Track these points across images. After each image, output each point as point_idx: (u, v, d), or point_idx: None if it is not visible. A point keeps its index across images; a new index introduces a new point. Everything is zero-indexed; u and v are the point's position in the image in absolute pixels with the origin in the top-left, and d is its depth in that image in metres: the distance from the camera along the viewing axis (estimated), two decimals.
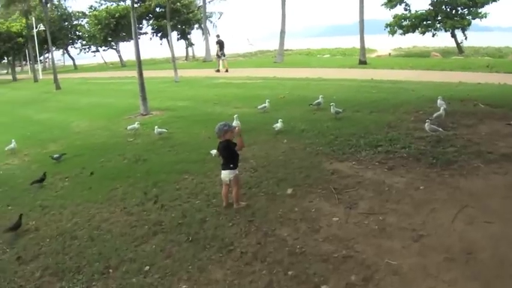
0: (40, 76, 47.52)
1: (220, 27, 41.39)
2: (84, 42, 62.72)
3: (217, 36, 31.55)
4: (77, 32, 62.67)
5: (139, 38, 55.74)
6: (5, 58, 56.03)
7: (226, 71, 29.51)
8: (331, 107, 11.20)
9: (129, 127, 12.13)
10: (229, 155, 6.35)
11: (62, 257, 5.68)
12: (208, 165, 8.46)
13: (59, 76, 32.85)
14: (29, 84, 42.02)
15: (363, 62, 27.63)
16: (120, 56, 55.02)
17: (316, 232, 5.32)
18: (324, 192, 6.48)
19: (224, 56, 30.81)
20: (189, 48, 56.30)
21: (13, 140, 11.99)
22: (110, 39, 53.40)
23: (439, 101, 10.81)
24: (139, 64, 15.67)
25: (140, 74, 15.44)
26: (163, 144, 10.56)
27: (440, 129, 8.59)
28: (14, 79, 50.76)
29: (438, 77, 19.17)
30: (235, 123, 11.02)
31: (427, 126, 8.51)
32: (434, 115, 9.64)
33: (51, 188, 8.51)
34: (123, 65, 51.89)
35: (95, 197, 7.60)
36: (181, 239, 5.58)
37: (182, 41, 53.97)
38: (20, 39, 49.66)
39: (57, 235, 6.38)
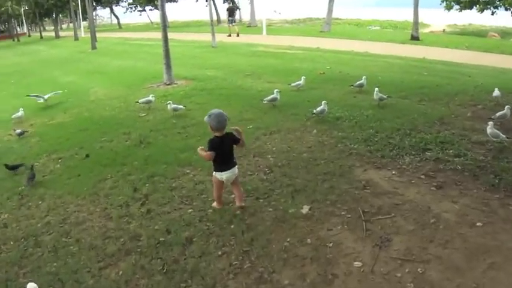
0: (82, 34, 47.25)
1: None
2: (130, 1, 62.12)
3: (229, 3, 33.61)
4: None
5: None
6: (51, 15, 56.05)
7: (237, 35, 30.13)
8: (375, 91, 9.57)
9: (141, 100, 10.98)
10: (232, 150, 5.32)
11: (15, 272, 4.67)
12: None
13: (102, 35, 32.43)
14: (68, 42, 41.80)
15: (415, 38, 25.45)
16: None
17: (328, 285, 3.95)
18: (349, 217, 5.03)
19: (234, 22, 32.38)
20: (236, 12, 54.69)
21: (21, 108, 11.12)
22: None
23: (495, 92, 9.14)
24: (165, 28, 14.43)
25: (165, 39, 14.18)
26: (175, 124, 9.36)
27: (503, 135, 6.84)
28: (57, 36, 50.86)
29: (497, 60, 17.10)
30: (275, 95, 9.87)
31: (489, 129, 6.84)
32: (498, 114, 7.89)
33: (39, 171, 7.49)
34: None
35: (78, 189, 6.52)
36: (155, 267, 4.39)
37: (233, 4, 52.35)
38: None
39: (22, 238, 5.37)
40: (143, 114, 10.40)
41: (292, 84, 11.63)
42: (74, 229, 5.40)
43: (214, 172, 5.34)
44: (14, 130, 9.83)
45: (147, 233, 5.07)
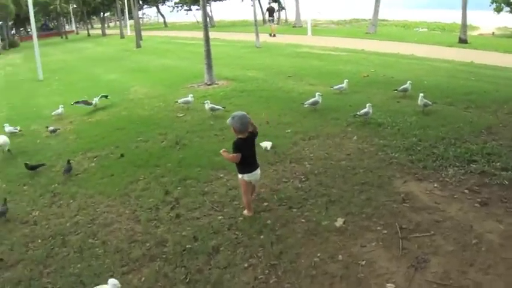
0: (128, 32, 48.23)
1: None
2: (177, 0, 62.82)
3: (269, 2, 33.63)
4: None
5: None
6: (99, 14, 57.47)
7: (274, 35, 30.22)
8: (420, 97, 9.17)
9: (180, 100, 10.97)
10: (255, 150, 5.33)
11: (39, 271, 4.70)
12: None
13: (147, 33, 32.95)
14: (114, 40, 42.73)
15: (463, 41, 24.52)
16: (210, 16, 54.32)
17: None
18: (385, 233, 4.76)
19: (273, 22, 32.60)
20: (282, 12, 54.54)
21: (61, 105, 11.34)
22: None
23: None
24: (206, 27, 14.36)
25: (206, 39, 14.16)
26: (212, 126, 9.28)
27: None
28: (103, 34, 52.12)
29: None
30: (316, 98, 9.67)
31: None
32: None
33: (74, 169, 7.56)
34: (212, 25, 51.19)
35: (110, 189, 6.54)
36: (178, 276, 4.29)
37: (274, 4, 52.25)
38: None
39: (50, 236, 5.41)
40: (181, 115, 10.39)
41: (335, 87, 11.35)
42: (101, 230, 5.38)
43: (241, 175, 5.27)
44: (47, 127, 10.04)
45: (173, 239, 4.98)
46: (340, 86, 11.32)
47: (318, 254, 4.46)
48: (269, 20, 33.18)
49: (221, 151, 5.35)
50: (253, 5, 25.95)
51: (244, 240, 4.83)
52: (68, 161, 7.50)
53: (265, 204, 5.60)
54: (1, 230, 5.74)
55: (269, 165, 6.85)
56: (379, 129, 8.22)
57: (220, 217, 5.41)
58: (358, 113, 8.60)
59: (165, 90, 13.49)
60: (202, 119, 9.91)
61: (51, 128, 9.92)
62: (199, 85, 14.04)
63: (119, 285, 3.87)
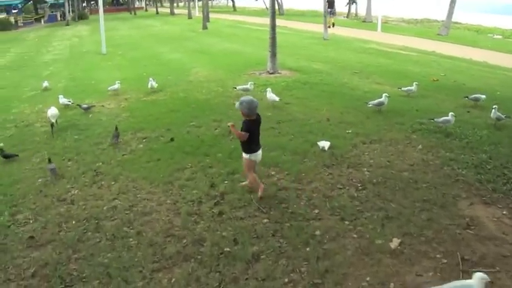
0: (196, 13, 48.68)
1: None
2: None
3: None
4: None
5: None
6: None
7: (329, 27, 29.00)
8: (493, 110, 8.39)
9: (239, 87, 10.68)
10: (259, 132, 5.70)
11: (67, 255, 4.55)
12: (308, 163, 6.66)
13: (214, 16, 32.91)
14: (181, 20, 43.15)
15: None
16: (279, 3, 53.85)
17: None
18: (445, 263, 4.24)
19: (333, 14, 32.29)
20: (352, 6, 53.30)
21: (117, 81, 11.33)
22: None
23: None
24: (273, 15, 13.96)
25: (273, 27, 13.78)
26: (269, 118, 8.90)
27: None
28: (171, 13, 52.90)
29: None
30: (382, 99, 9.19)
31: None
32: None
33: (121, 149, 7.47)
34: (281, 13, 50.75)
35: (154, 175, 6.33)
36: (211, 283, 3.98)
37: None
38: None
39: (85, 219, 5.26)
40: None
41: (403, 89, 10.69)
42: (138, 219, 5.17)
43: (248, 155, 5.56)
44: (80, 105, 9.98)
45: (212, 239, 4.67)
46: (409, 88, 10.67)
47: (367, 278, 4.03)
48: (328, 12, 32.64)
49: (229, 124, 5.68)
50: None
51: (288, 251, 4.46)
52: (116, 128, 7.82)
53: (316, 211, 5.22)
54: (38, 205, 5.66)
55: (324, 168, 6.47)
56: (446, 140, 7.61)
57: (265, 220, 5.06)
58: (436, 119, 7.98)
59: (226, 75, 13.27)
60: (260, 109, 9.48)
61: (84, 106, 9.90)
62: (261, 73, 13.71)
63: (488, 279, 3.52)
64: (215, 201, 5.53)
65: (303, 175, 6.23)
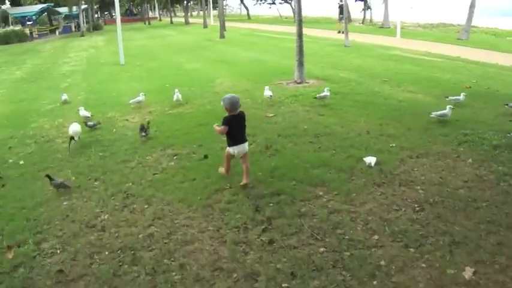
0: (211, 22, 48.61)
1: None
2: None
3: (341, 0, 33.06)
4: None
5: None
6: (183, 2, 58.64)
7: (341, 32, 29.72)
8: None
9: (266, 92, 10.32)
10: (244, 128, 6.22)
11: None
12: (357, 181, 6.12)
13: (230, 24, 32.70)
14: (197, 29, 43.06)
15: None
16: (293, 11, 53.51)
17: None
18: None
19: (343, 19, 32.21)
20: (367, 12, 52.87)
21: (142, 93, 10.90)
22: None
23: None
24: (300, 22, 13.52)
25: (300, 35, 13.33)
26: (306, 130, 8.40)
27: None
28: (186, 22, 52.98)
29: None
30: (446, 111, 8.65)
31: None
32: None
33: (151, 167, 6.98)
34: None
35: (191, 197, 5.81)
36: None
37: (360, 3, 50.68)
38: None
39: (120, 249, 4.75)
40: (271, 115, 9.59)
41: (451, 98, 10.07)
42: (179, 249, 4.65)
43: (228, 147, 6.09)
44: (85, 122, 9.37)
45: (266, 272, 4.14)
46: (456, 97, 10.04)
47: None
48: (340, 18, 33.45)
49: (214, 125, 6.30)
50: (344, 2, 24.97)
51: (354, 285, 3.93)
52: (148, 122, 8.53)
53: (376, 237, 4.67)
54: (65, 232, 5.19)
55: (375, 187, 5.94)
56: (495, 152, 7.04)
57: (322, 249, 4.52)
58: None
59: (252, 85, 12.78)
60: (295, 121, 9.06)
61: (90, 123, 9.32)
62: (288, 83, 13.23)
63: None
64: (263, 227, 4.99)
65: (353, 195, 5.69)
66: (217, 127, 6.12)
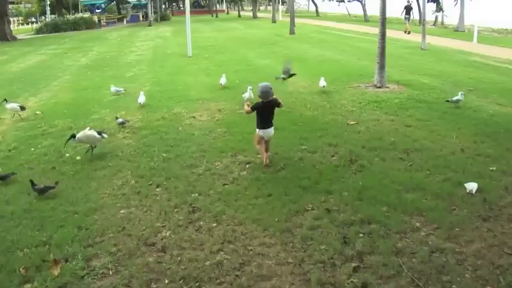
0: (279, 18, 47.87)
1: None
2: None
3: (408, 1, 33.72)
4: None
5: None
6: None
7: (406, 32, 30.36)
8: None
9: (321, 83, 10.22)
10: (272, 114, 6.69)
11: None
12: (459, 213, 5.17)
13: (298, 21, 31.85)
14: (265, 24, 42.43)
15: None
16: (364, 10, 52.14)
17: None
18: None
19: (408, 20, 32.48)
20: (439, 14, 50.60)
21: (250, 87, 9.79)
22: None
23: None
24: (383, 22, 12.43)
25: (383, 36, 12.26)
26: (394, 144, 7.42)
27: None
28: (254, 16, 52.48)
29: None
30: None
31: None
32: None
33: (220, 175, 6.28)
34: (366, 19, 48.97)
35: (267, 218, 5.02)
36: None
37: (432, 4, 48.52)
38: None
39: (182, 279, 4.10)
40: (352, 122, 8.65)
41: None
42: (253, 286, 3.86)
43: (257, 130, 6.62)
44: (116, 118, 8.86)
45: None
46: None
47: None
48: (405, 18, 32.93)
49: (245, 105, 7.02)
50: (423, 2, 23.61)
51: None
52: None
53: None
54: (119, 249, 4.54)
55: (480, 221, 4.98)
56: None
57: None
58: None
59: (328, 87, 11.78)
60: (379, 132, 8.10)
61: (119, 120, 8.74)
62: (367, 86, 12.21)
63: None
64: (353, 265, 4.14)
65: (457, 230, 4.75)
66: (247, 107, 6.80)
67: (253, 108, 6.59)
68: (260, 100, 6.56)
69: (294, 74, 10.90)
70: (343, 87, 11.94)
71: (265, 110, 6.54)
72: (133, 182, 6.17)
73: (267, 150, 6.57)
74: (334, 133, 7.92)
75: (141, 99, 10.20)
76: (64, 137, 7.88)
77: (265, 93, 6.45)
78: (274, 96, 6.55)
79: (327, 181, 5.93)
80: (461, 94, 9.84)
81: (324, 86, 11.24)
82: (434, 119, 9.08)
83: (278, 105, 6.64)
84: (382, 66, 12.34)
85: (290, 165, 6.52)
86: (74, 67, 18.14)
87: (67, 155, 7.41)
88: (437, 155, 6.99)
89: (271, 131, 6.59)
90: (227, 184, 5.97)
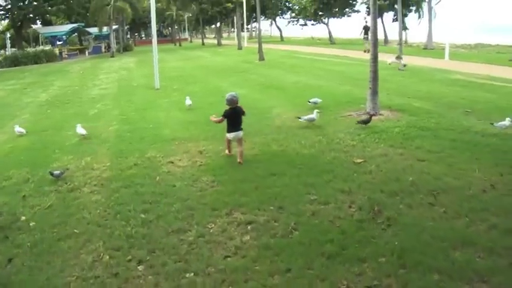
0: (245, 44, 47.44)
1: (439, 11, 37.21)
2: (293, 14, 62.91)
3: (366, 21, 34.62)
4: (287, 3, 64.39)
5: (349, 16, 53.47)
6: (214, 23, 58.84)
7: (366, 51, 29.72)
8: None
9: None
10: (240, 119, 7.93)
11: None
12: None
13: (264, 46, 30.98)
14: (231, 51, 41.61)
15: None
16: (329, 32, 52.26)
17: None
18: None
19: (367, 39, 32.22)
20: (404, 33, 51.29)
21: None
22: (320, 13, 52.25)
23: None
24: (376, 43, 11.52)
25: (375, 58, 11.34)
26: (415, 185, 6.36)
27: None
28: (219, 44, 51.89)
29: None
30: None
31: None
32: None
33: (218, 243, 5.04)
34: (332, 42, 48.99)
35: None
36: None
37: (396, 23, 49.09)
38: (229, 4, 52.42)
39: None
40: (359, 161, 7.53)
41: None
42: None
43: (227, 134, 7.92)
44: (50, 172, 7.49)
45: None
46: None
47: None
48: (364, 38, 34.24)
49: (211, 117, 8.29)
50: (399, 23, 23.28)
51: None
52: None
53: None
54: None
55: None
56: None
57: None
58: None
59: (318, 119, 10.65)
60: (393, 170, 7.03)
61: (56, 172, 7.45)
62: (360, 115, 11.15)
63: None
64: None
65: None
66: (214, 118, 8.11)
67: (224, 116, 7.83)
68: (228, 107, 7.82)
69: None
70: (334, 118, 10.86)
71: (234, 116, 7.81)
72: (107, 257, 4.87)
73: (241, 152, 7.73)
74: (342, 176, 6.77)
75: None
76: (19, 192, 6.57)
77: (230, 100, 7.78)
78: (239, 105, 7.89)
79: (356, 244, 4.76)
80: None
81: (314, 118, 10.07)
82: (447, 149, 8.08)
83: (243, 113, 7.95)
84: (374, 92, 11.35)
85: (302, 223, 5.32)
86: (34, 104, 16.66)
87: (23, 218, 6.06)
88: (468, 196, 5.99)
89: (240, 133, 7.82)
90: (229, 256, 4.72)
